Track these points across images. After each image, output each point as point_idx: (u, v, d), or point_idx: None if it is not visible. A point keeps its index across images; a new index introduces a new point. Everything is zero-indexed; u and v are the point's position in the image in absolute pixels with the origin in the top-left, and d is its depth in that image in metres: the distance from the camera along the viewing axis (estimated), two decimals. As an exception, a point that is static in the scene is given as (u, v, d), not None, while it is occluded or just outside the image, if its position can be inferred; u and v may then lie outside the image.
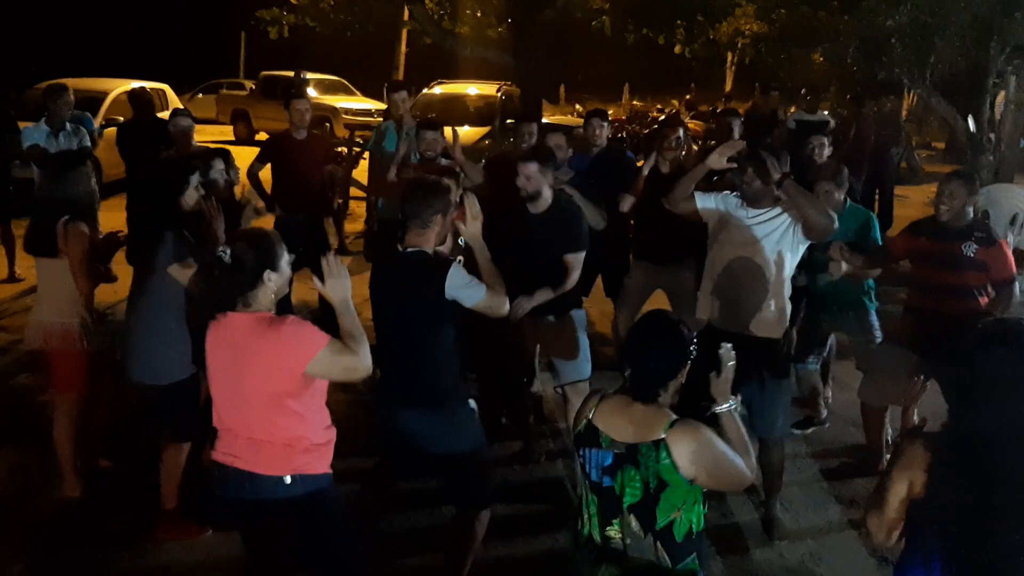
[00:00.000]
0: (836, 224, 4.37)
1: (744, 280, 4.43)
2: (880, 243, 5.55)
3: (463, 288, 3.70)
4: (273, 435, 3.07)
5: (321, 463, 3.16)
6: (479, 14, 11.59)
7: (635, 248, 6.73)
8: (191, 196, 4.48)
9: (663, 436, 2.68)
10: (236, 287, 3.06)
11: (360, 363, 3.09)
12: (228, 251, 3.05)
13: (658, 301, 6.21)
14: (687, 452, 2.67)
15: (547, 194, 4.87)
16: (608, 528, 2.77)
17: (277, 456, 3.08)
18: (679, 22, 11.56)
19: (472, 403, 3.93)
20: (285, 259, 3.18)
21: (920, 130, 20.24)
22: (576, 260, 4.91)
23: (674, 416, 2.74)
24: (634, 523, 2.72)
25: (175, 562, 4.30)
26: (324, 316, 6.93)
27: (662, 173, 6.14)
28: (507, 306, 3.88)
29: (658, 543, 2.71)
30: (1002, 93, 12.82)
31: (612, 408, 2.82)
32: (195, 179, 4.51)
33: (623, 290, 6.43)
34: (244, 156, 7.19)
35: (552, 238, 4.86)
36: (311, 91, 19.57)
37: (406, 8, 11.96)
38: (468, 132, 12.75)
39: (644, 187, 6.16)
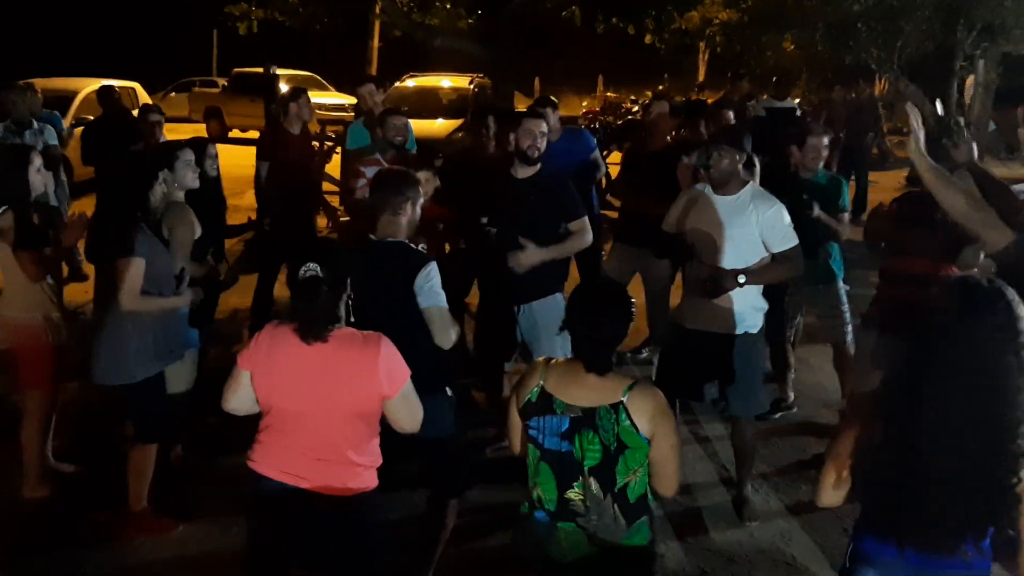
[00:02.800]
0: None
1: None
2: (847, 207, 5.66)
3: (427, 287, 3.70)
4: (343, 456, 3.03)
5: (375, 477, 3.15)
6: (448, 5, 11.57)
7: (615, 231, 6.77)
8: (158, 192, 4.45)
9: (622, 399, 2.72)
10: (335, 305, 3.04)
11: (421, 415, 3.15)
12: (316, 267, 2.97)
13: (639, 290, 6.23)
14: (647, 413, 2.72)
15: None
16: (568, 491, 2.80)
17: (344, 475, 3.04)
18: (648, 11, 11.58)
19: (448, 391, 3.94)
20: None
21: (891, 115, 20.32)
22: (582, 224, 4.91)
23: (632, 380, 2.78)
24: (594, 485, 2.76)
25: (146, 558, 4.27)
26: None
27: (645, 157, 6.15)
28: (453, 337, 3.80)
29: (615, 504, 2.76)
30: (971, 77, 12.93)
31: (564, 374, 2.84)
32: (163, 175, 4.49)
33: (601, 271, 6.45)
34: (221, 154, 7.14)
35: (544, 204, 4.85)
36: (283, 87, 19.45)
37: (376, 0, 11.93)
38: (441, 124, 12.74)
39: (627, 171, 6.20)
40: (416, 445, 3.87)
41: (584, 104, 28.19)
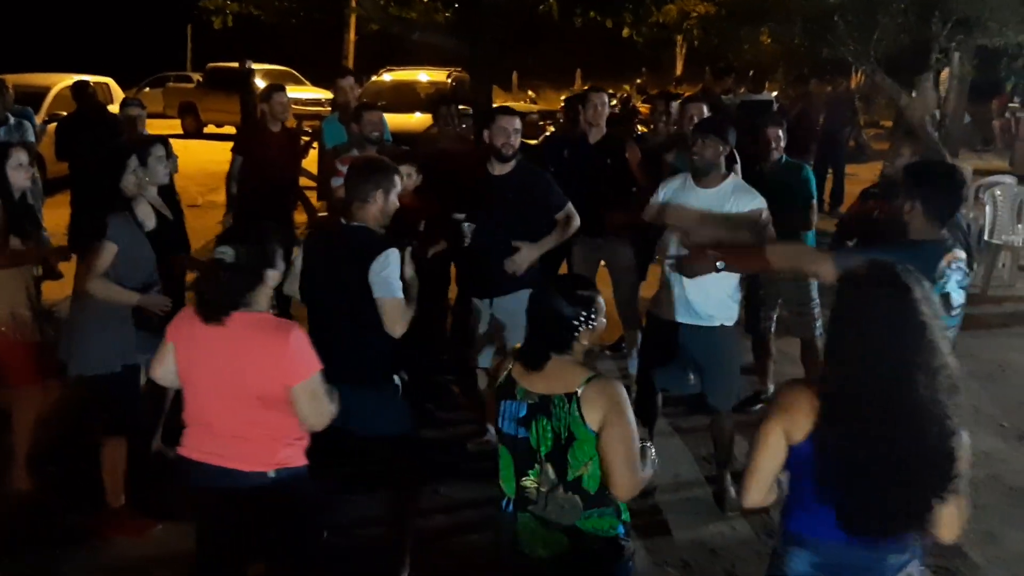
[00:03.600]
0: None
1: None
2: (815, 197, 5.73)
3: (382, 275, 3.66)
4: (259, 432, 3.02)
5: (301, 455, 3.13)
6: (426, -1, 11.54)
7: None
8: (130, 180, 4.41)
9: (577, 390, 2.71)
10: (240, 288, 3.01)
11: (329, 415, 3.10)
12: (229, 251, 2.98)
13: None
14: (598, 407, 2.70)
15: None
16: (524, 479, 2.80)
17: (261, 452, 3.03)
18: (626, 5, 11.58)
19: (398, 381, 3.91)
20: (280, 255, 3.14)
21: (868, 109, 20.48)
22: (568, 211, 4.95)
23: (594, 374, 2.76)
24: (550, 471, 2.75)
25: (125, 556, 4.23)
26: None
27: (590, 145, 6.13)
28: (401, 329, 3.74)
29: (570, 493, 2.74)
30: (946, 70, 13.02)
31: (526, 360, 2.84)
32: (133, 163, 4.43)
33: (570, 269, 6.44)
34: (192, 149, 7.12)
35: (525, 198, 4.86)
36: (259, 82, 19.31)
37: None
38: (419, 119, 12.69)
39: (577, 159, 6.19)
40: (375, 438, 3.86)
41: (562, 98, 28.19)
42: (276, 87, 7.20)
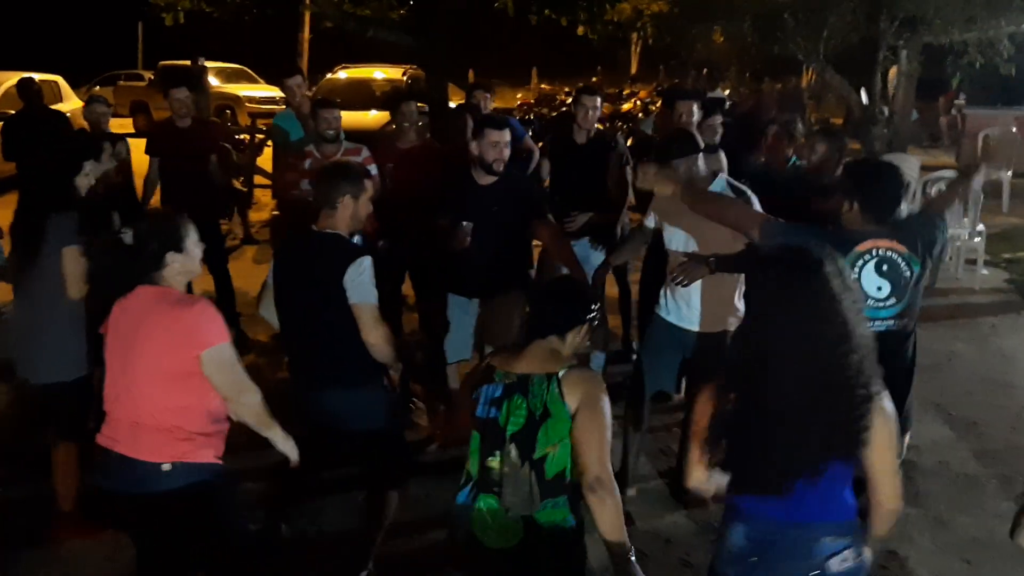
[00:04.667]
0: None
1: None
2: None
3: (357, 282, 3.66)
4: (157, 419, 3.01)
5: (205, 452, 3.09)
6: (381, -4, 11.47)
7: None
8: (83, 181, 4.34)
9: (559, 372, 2.77)
10: (137, 268, 3.03)
11: (253, 395, 3.11)
12: (129, 232, 3.02)
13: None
14: (578, 391, 2.75)
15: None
16: (489, 459, 2.82)
17: (157, 441, 3.01)
18: (581, 3, 11.62)
19: (384, 381, 3.91)
20: (192, 239, 3.13)
21: (818, 107, 20.76)
22: (551, 224, 4.96)
23: (576, 363, 2.83)
24: (514, 452, 2.77)
25: (75, 560, 4.20)
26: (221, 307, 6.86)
27: (577, 144, 6.16)
28: (380, 336, 3.73)
29: (532, 473, 2.76)
30: (895, 67, 13.25)
31: (510, 351, 2.91)
32: (89, 165, 4.37)
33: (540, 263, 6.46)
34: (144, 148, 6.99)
35: (510, 207, 4.83)
36: (213, 80, 19.13)
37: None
38: (374, 116, 12.64)
39: (556, 160, 6.23)
40: (352, 438, 3.87)
41: (519, 96, 28.23)
42: (174, 85, 7.07)
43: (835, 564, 2.51)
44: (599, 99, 6.29)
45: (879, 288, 3.35)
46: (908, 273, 3.41)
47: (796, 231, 3.44)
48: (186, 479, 3.03)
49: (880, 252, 3.34)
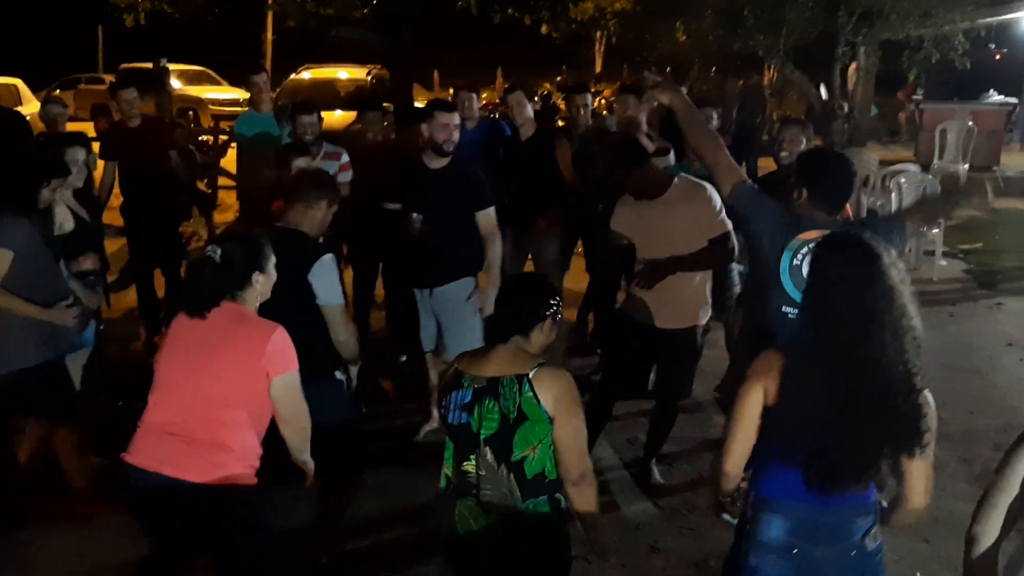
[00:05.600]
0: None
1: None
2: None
3: (323, 281, 3.70)
4: (217, 437, 2.99)
5: (247, 470, 3.09)
6: (343, -6, 11.44)
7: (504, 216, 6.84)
8: (47, 195, 4.32)
9: (528, 373, 2.75)
10: (225, 288, 3.05)
11: (308, 422, 3.19)
12: (218, 250, 3.03)
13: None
14: (552, 391, 2.74)
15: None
16: (465, 463, 2.82)
17: (214, 462, 2.98)
18: (543, 2, 11.68)
19: (339, 375, 3.94)
20: (272, 261, 3.18)
21: (780, 103, 20.99)
22: (489, 217, 4.99)
23: (543, 360, 2.82)
24: (489, 455, 2.76)
25: (51, 549, 4.16)
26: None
27: (521, 141, 6.22)
28: (348, 336, 3.82)
29: (511, 475, 2.76)
30: (854, 63, 13.44)
31: (476, 355, 2.91)
32: (56, 181, 4.35)
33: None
34: (106, 151, 6.94)
35: (458, 193, 4.90)
36: (175, 82, 18.97)
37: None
38: (339, 116, 12.61)
39: (509, 156, 6.27)
40: (315, 430, 3.87)
41: (484, 96, 28.24)
42: (121, 84, 7.03)
43: (870, 542, 2.58)
44: (589, 97, 6.60)
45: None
46: None
47: (762, 202, 3.49)
48: (227, 496, 3.01)
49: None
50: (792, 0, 10.39)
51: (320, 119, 6.15)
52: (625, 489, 4.84)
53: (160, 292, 6.87)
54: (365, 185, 5.90)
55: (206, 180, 10.74)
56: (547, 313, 2.86)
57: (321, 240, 3.94)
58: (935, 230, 9.30)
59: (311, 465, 3.36)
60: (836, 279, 2.50)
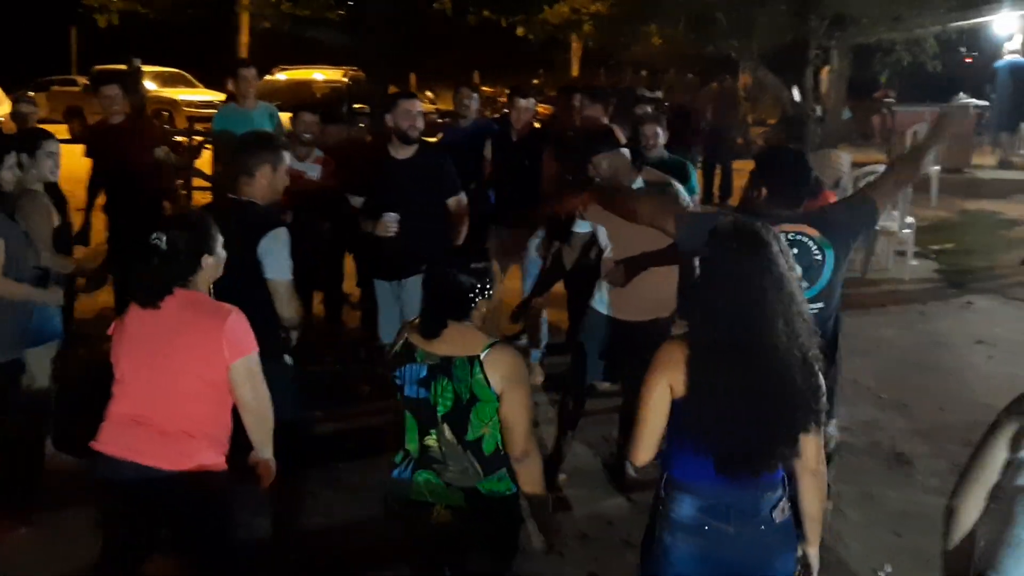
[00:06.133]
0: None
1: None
2: (696, 192, 5.90)
3: (272, 255, 3.67)
4: (184, 427, 2.98)
5: (220, 458, 3.09)
6: (318, -6, 11.40)
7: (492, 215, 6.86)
8: (7, 177, 4.28)
9: (480, 354, 2.80)
10: (175, 275, 2.98)
11: (269, 407, 3.12)
12: (163, 237, 2.95)
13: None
14: (500, 370, 2.79)
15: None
16: (427, 437, 2.87)
17: (182, 450, 2.97)
18: (517, 3, 11.72)
19: (288, 359, 3.92)
20: (220, 241, 3.12)
21: (755, 107, 21.15)
22: (460, 201, 5.06)
23: (495, 339, 2.86)
24: (448, 432, 2.83)
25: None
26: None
27: (512, 141, 6.25)
28: (293, 312, 3.81)
29: (469, 452, 2.83)
30: (827, 67, 13.57)
31: None
32: (11, 159, 4.31)
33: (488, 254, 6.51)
34: (79, 153, 6.89)
35: (425, 181, 4.96)
36: (150, 84, 18.87)
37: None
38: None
39: (496, 156, 6.31)
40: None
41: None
42: (102, 82, 6.98)
43: (777, 515, 2.64)
44: (533, 100, 6.48)
45: None
46: (819, 256, 3.47)
47: (708, 219, 3.52)
48: (200, 483, 3.00)
49: (789, 236, 3.40)
50: (763, 3, 10.48)
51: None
52: (599, 485, 4.87)
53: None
54: (334, 184, 5.94)
55: (181, 182, 10.68)
56: (478, 297, 2.89)
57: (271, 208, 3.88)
58: (905, 231, 9.41)
59: (272, 465, 3.27)
60: (727, 270, 2.55)
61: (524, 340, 6.85)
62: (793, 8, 10.52)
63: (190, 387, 2.98)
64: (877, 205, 3.70)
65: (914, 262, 9.53)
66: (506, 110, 7.20)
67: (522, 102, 6.22)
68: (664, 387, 2.60)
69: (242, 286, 3.63)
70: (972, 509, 2.41)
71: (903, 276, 9.18)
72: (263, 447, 3.22)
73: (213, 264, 3.11)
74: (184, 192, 10.49)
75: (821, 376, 2.58)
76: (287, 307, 3.74)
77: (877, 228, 9.38)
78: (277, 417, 3.64)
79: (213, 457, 3.04)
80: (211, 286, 3.17)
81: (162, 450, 2.96)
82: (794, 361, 2.52)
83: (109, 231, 6.72)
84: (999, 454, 2.34)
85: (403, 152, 5.00)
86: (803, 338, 2.53)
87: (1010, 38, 15.59)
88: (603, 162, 4.46)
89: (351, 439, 5.21)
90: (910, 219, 9.55)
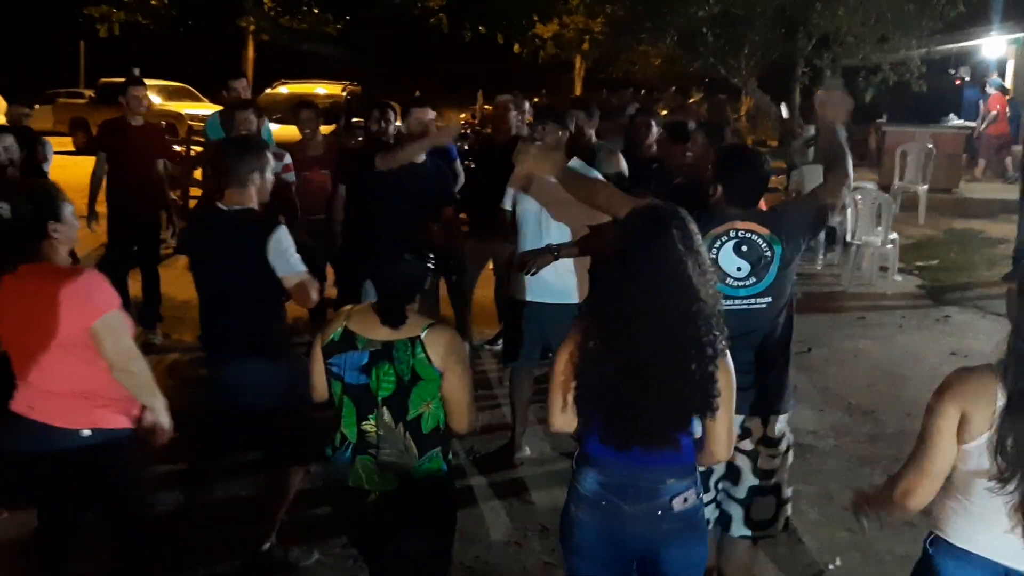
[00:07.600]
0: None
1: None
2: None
3: (281, 255, 3.74)
4: (69, 387, 3.08)
5: (121, 418, 3.18)
6: (316, 10, 11.60)
7: (467, 225, 7.01)
8: None
9: (420, 334, 2.91)
10: (23, 243, 3.07)
11: (140, 362, 3.15)
12: (6, 206, 3.04)
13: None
14: (440, 348, 2.92)
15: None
16: (364, 423, 2.97)
17: (73, 408, 3.08)
18: (510, 18, 11.88)
19: (294, 360, 4.01)
20: (69, 209, 3.18)
21: (755, 128, 21.22)
22: (452, 210, 5.36)
23: (432, 320, 2.98)
24: (387, 415, 2.93)
25: None
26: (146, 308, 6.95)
27: (494, 150, 6.41)
28: (314, 298, 3.86)
29: (407, 433, 2.94)
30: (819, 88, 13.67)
31: (366, 316, 3.01)
32: None
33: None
34: (83, 165, 7.12)
35: (410, 191, 5.16)
36: (155, 97, 19.05)
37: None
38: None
39: (484, 159, 6.52)
40: (260, 412, 3.94)
41: (463, 116, 28.48)
42: (133, 80, 7.22)
43: (678, 504, 2.72)
44: (525, 103, 6.78)
45: (738, 268, 3.47)
46: (768, 253, 3.53)
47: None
48: (101, 441, 3.10)
49: (739, 233, 3.46)
50: (750, 21, 10.63)
51: (319, 116, 6.38)
52: (559, 476, 4.93)
53: (133, 291, 6.97)
54: (312, 191, 6.12)
55: (179, 192, 10.85)
56: (424, 284, 3.04)
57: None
58: (888, 246, 9.53)
59: (165, 424, 3.27)
60: (624, 251, 2.65)
61: (499, 345, 6.98)
62: (780, 26, 10.68)
63: (59, 350, 3.06)
64: (825, 204, 3.81)
65: (897, 277, 9.65)
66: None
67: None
68: (565, 362, 2.71)
69: (248, 290, 3.79)
70: (926, 501, 2.50)
71: (885, 291, 9.30)
72: (149, 399, 3.23)
73: (63, 230, 3.13)
74: (181, 202, 10.65)
75: (725, 364, 2.66)
76: (308, 299, 3.81)
77: (860, 242, 9.53)
78: (277, 415, 3.77)
79: (113, 415, 3.13)
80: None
81: (52, 409, 3.07)
82: (686, 344, 2.59)
83: (110, 228, 6.94)
84: (949, 448, 2.41)
85: (386, 163, 5.17)
86: (700, 324, 2.60)
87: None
88: (547, 135, 4.76)
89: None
90: (893, 235, 9.68)
